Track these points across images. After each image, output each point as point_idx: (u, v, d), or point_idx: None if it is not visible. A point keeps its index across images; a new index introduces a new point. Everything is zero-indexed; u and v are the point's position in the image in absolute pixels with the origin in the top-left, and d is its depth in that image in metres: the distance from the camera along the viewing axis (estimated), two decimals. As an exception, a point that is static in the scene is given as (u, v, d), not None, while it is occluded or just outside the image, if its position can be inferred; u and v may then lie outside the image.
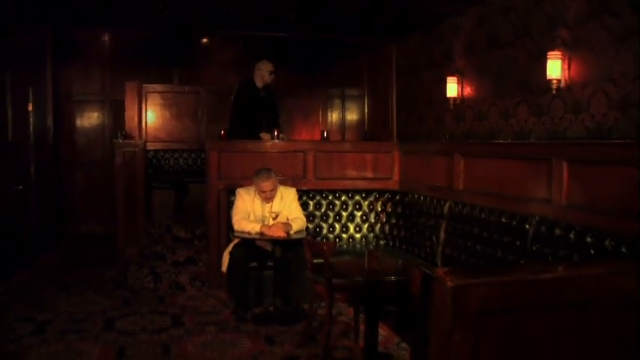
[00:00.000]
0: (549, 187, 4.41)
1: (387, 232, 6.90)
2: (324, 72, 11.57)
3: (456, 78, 6.63)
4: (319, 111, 11.38)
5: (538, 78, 5.08)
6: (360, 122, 10.15)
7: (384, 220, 6.94)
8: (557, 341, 2.52)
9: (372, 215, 7.02)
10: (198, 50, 11.29)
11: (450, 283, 2.30)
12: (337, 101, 11.16)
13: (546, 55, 4.88)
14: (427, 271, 2.46)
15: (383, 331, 4.73)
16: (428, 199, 6.19)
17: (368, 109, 9.88)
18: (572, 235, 4.09)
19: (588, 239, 3.94)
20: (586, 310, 2.57)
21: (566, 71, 4.83)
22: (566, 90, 4.87)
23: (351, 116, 10.67)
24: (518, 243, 4.65)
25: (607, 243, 3.79)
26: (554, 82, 4.87)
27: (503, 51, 5.84)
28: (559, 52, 4.83)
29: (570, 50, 4.81)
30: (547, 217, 4.39)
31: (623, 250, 3.66)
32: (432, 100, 7.35)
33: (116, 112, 10.81)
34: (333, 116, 11.29)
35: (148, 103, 10.48)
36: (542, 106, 5.25)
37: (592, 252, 3.88)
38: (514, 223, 4.74)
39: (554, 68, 4.80)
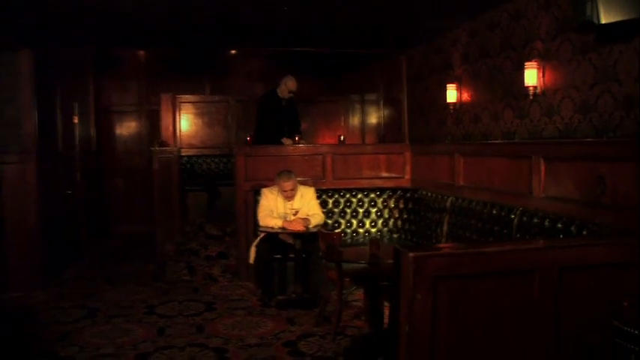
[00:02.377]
0: (530, 182, 5.03)
1: (400, 226, 7.55)
2: (344, 79, 12.23)
3: (455, 85, 7.25)
4: (341, 116, 12.09)
5: (519, 85, 5.71)
6: (379, 125, 10.80)
7: (397, 215, 7.59)
8: (499, 302, 3.21)
9: (386, 211, 7.66)
10: (226, 62, 11.98)
11: (411, 254, 3.01)
12: (357, 106, 11.82)
13: (524, 65, 5.53)
14: (397, 246, 3.16)
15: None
16: (434, 195, 6.82)
17: (383, 114, 10.53)
18: (546, 223, 4.71)
19: (559, 225, 4.56)
20: (527, 278, 3.24)
21: (541, 79, 5.45)
22: (542, 95, 5.50)
23: (371, 120, 11.32)
24: (505, 232, 5.28)
25: (572, 228, 4.41)
26: (531, 88, 5.50)
27: (492, 60, 6.46)
28: (535, 63, 5.46)
29: (544, 61, 5.44)
30: (528, 208, 5.02)
31: (584, 232, 4.28)
32: (436, 105, 7.98)
33: (152, 121, 11.55)
34: (355, 120, 11.95)
35: (181, 113, 11.29)
36: (524, 109, 5.87)
37: (561, 237, 4.50)
38: (502, 214, 5.37)
39: (531, 76, 5.43)
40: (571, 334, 3.30)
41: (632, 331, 2.65)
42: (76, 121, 9.21)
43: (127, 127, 11.87)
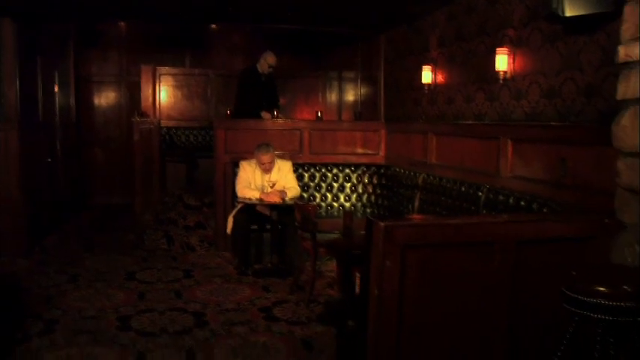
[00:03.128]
0: (498, 162, 5.31)
1: (373, 201, 7.82)
2: (323, 57, 12.41)
3: (430, 67, 7.48)
4: (319, 92, 12.27)
5: (491, 69, 5.96)
6: (355, 103, 11.01)
7: (370, 190, 7.86)
8: (462, 270, 3.49)
9: (360, 186, 7.92)
10: (208, 36, 12.06)
11: (382, 224, 3.26)
12: (335, 83, 12.00)
13: (496, 50, 5.78)
14: (369, 216, 3.42)
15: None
16: (407, 172, 7.10)
17: (360, 92, 10.74)
18: (511, 201, 5.00)
19: (522, 203, 4.85)
20: (487, 249, 3.52)
21: (512, 65, 5.70)
22: (511, 80, 5.75)
23: (348, 97, 11.52)
24: (472, 208, 5.57)
25: (534, 206, 4.71)
26: (502, 73, 5.75)
27: (467, 44, 6.70)
28: (506, 49, 5.71)
29: (515, 47, 5.69)
30: (495, 186, 5.30)
31: (544, 210, 4.58)
32: (412, 86, 8.17)
33: (132, 92, 11.65)
34: (332, 97, 12.14)
35: (161, 85, 11.39)
36: (494, 92, 6.13)
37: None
38: (470, 191, 5.66)
39: (502, 62, 5.68)
40: (527, 302, 3.59)
41: (575, 296, 2.93)
42: (56, 90, 9.28)
43: (106, 98, 11.92)
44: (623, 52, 3.53)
